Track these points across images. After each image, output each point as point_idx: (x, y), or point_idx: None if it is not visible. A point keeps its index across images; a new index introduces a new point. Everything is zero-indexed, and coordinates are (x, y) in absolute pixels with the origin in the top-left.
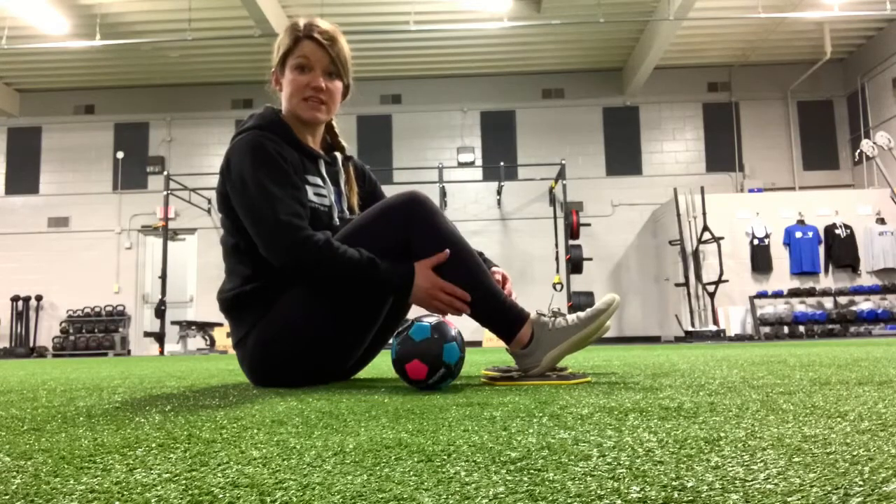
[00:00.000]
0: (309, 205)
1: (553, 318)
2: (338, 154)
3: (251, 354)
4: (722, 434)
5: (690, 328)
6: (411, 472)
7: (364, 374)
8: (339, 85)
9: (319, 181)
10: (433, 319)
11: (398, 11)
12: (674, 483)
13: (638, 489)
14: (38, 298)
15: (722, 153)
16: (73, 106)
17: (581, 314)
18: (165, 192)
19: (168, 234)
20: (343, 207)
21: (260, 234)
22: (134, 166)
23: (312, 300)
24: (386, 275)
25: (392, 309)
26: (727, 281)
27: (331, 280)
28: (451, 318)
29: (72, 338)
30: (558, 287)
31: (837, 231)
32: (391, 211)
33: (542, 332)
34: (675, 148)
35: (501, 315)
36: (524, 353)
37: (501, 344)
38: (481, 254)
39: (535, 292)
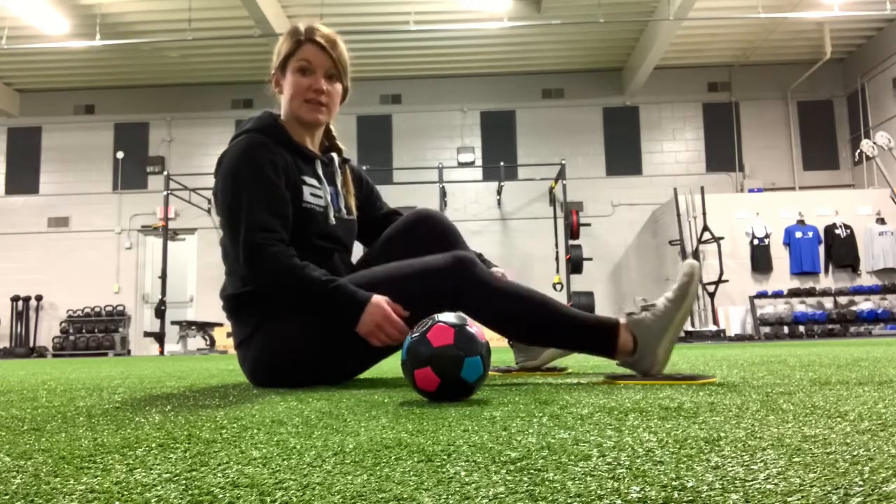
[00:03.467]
0: (304, 206)
1: (645, 313)
2: (334, 155)
3: (253, 357)
4: (722, 434)
5: (690, 328)
6: (411, 472)
7: (364, 374)
8: (339, 88)
9: (315, 182)
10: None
11: (398, 11)
12: (674, 483)
13: (638, 489)
14: (38, 298)
15: (722, 153)
16: (73, 106)
17: (669, 294)
18: (165, 192)
19: (168, 234)
20: (340, 206)
21: (230, 242)
22: (134, 166)
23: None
24: (340, 297)
25: None
26: (727, 281)
27: (286, 295)
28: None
29: (72, 338)
30: (558, 287)
31: (837, 231)
32: (439, 275)
33: (642, 331)
34: (675, 148)
35: (592, 333)
36: (635, 360)
37: (503, 344)
38: (480, 255)
39: None
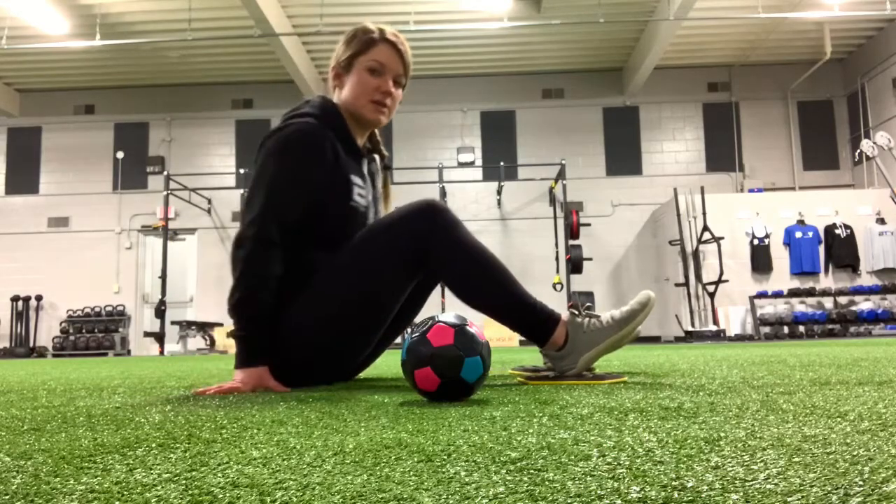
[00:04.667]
0: (352, 204)
1: (587, 319)
2: (376, 157)
3: None
4: (722, 434)
5: (690, 328)
6: (411, 472)
7: (364, 373)
8: (401, 93)
9: (360, 181)
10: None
11: (398, 11)
12: (674, 483)
13: (638, 489)
14: (38, 298)
15: (722, 153)
16: (73, 106)
17: (616, 314)
18: (165, 192)
19: (168, 234)
20: (378, 209)
21: (244, 214)
22: (134, 166)
23: (318, 305)
24: (247, 331)
25: (397, 312)
26: (727, 281)
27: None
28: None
29: (72, 338)
30: (558, 287)
31: (837, 231)
32: (410, 219)
33: (577, 334)
34: (675, 148)
35: (534, 318)
36: (560, 356)
37: (510, 343)
38: None
39: (536, 292)
